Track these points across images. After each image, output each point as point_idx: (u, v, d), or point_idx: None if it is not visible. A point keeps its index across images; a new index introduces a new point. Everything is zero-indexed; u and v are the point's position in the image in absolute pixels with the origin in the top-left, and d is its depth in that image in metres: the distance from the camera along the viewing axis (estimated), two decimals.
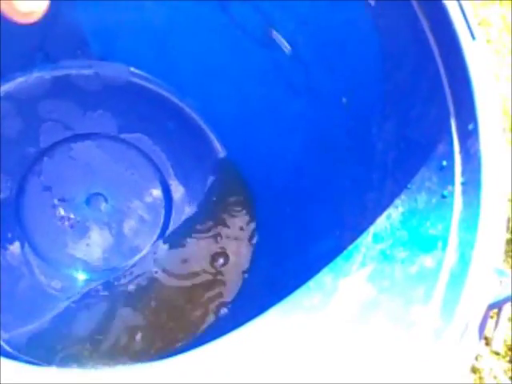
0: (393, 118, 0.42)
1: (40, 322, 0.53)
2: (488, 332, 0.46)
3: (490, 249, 0.33)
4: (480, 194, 0.34)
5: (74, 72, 0.59)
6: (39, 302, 0.54)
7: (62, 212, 0.55)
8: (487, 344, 0.55)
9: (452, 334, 0.32)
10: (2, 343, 0.51)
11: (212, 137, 0.61)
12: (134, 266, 0.56)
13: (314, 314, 0.43)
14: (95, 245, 0.55)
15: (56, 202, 0.55)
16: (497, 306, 0.31)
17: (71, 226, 0.55)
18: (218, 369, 0.46)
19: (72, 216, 0.55)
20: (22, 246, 0.54)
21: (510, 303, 0.31)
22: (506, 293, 0.30)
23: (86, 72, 0.60)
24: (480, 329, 0.31)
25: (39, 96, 0.58)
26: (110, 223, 0.56)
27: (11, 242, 0.54)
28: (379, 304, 0.38)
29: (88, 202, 0.56)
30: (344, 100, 0.47)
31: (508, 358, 0.58)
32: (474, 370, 0.56)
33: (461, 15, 0.37)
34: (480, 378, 0.56)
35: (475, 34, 0.37)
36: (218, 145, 0.61)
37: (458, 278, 0.33)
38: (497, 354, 0.56)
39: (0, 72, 0.56)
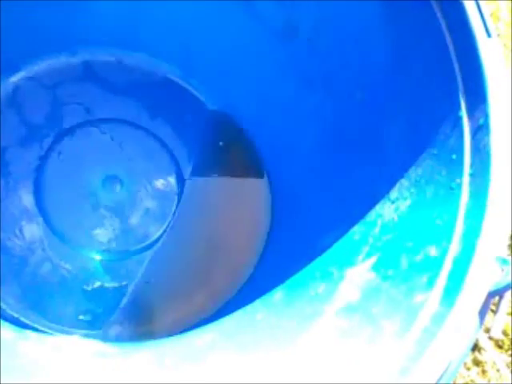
0: (405, 112, 0.43)
1: (52, 300, 0.55)
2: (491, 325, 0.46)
3: (494, 238, 0.33)
4: (488, 186, 0.35)
5: (98, 59, 0.61)
6: (51, 279, 0.55)
7: (78, 192, 0.56)
8: (490, 338, 0.55)
9: (452, 319, 0.32)
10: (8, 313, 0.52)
11: (230, 128, 0.62)
12: (147, 248, 0.57)
13: (318, 303, 0.44)
14: (109, 226, 0.57)
15: (73, 181, 0.56)
16: (497, 293, 0.31)
17: (87, 207, 0.56)
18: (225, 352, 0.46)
19: (88, 196, 0.56)
20: (38, 223, 0.55)
21: (510, 291, 0.31)
22: (507, 281, 0.31)
23: (110, 59, 0.61)
24: (480, 315, 0.32)
25: (63, 80, 0.59)
26: (125, 205, 0.57)
27: (28, 218, 0.55)
28: (382, 291, 0.38)
29: (104, 183, 0.57)
30: (358, 95, 0.48)
31: (511, 352, 0.58)
32: (477, 363, 0.57)
33: (477, 12, 0.38)
34: (483, 370, 0.56)
35: (491, 32, 0.38)
36: (235, 137, 0.62)
37: (461, 266, 0.34)
38: (500, 347, 0.56)
39: (27, 55, 0.58)
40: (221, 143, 0.60)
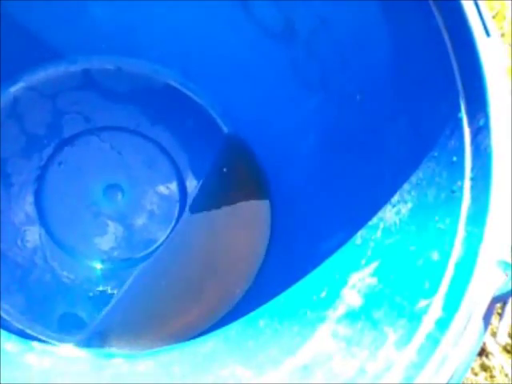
0: (405, 114, 0.43)
1: (55, 310, 0.55)
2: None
3: (497, 243, 0.33)
4: (489, 189, 0.34)
5: (97, 66, 0.61)
6: (53, 289, 0.55)
7: (79, 201, 0.56)
8: (498, 342, 0.54)
9: (456, 325, 0.31)
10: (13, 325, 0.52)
11: (229, 133, 0.62)
12: (148, 256, 0.57)
13: (320, 308, 0.44)
14: (111, 235, 0.57)
15: (74, 191, 0.56)
16: (502, 298, 0.31)
17: (88, 216, 0.56)
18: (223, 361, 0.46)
19: (89, 205, 0.56)
20: (39, 233, 0.55)
21: None
22: (511, 286, 0.30)
23: (110, 67, 0.61)
24: (485, 320, 0.31)
25: (63, 89, 0.59)
26: (126, 214, 0.57)
27: (29, 228, 0.55)
28: (385, 297, 0.38)
29: (105, 192, 0.57)
30: (358, 97, 0.47)
31: None
32: (485, 368, 0.56)
33: (476, 11, 0.37)
34: (491, 375, 0.55)
35: (490, 31, 0.37)
36: (234, 141, 0.62)
37: (464, 270, 0.33)
38: (508, 351, 0.55)
39: (26, 65, 0.58)
40: (225, 169, 0.60)
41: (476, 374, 0.57)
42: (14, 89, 0.58)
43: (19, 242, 0.55)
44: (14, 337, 0.50)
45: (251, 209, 0.59)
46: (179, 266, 0.57)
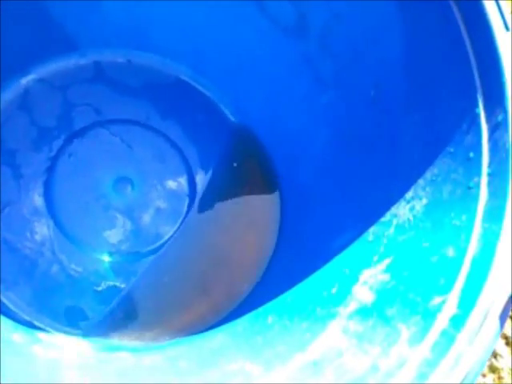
0: (420, 109, 0.42)
1: (63, 303, 0.54)
2: (508, 331, 0.45)
3: None
4: (507, 185, 0.34)
5: (108, 60, 0.61)
6: (60, 281, 0.55)
7: (89, 193, 0.56)
8: (507, 343, 0.54)
9: (472, 323, 0.31)
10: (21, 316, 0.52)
11: (240, 128, 0.61)
12: (156, 250, 0.56)
13: (331, 305, 0.43)
14: (119, 228, 0.56)
15: (83, 183, 0.56)
16: None
17: (97, 208, 0.56)
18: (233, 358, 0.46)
19: (98, 198, 0.56)
20: (48, 225, 0.55)
21: None
22: None
23: (120, 60, 0.61)
24: (501, 319, 0.30)
25: (74, 81, 0.59)
26: (135, 208, 0.57)
27: (38, 219, 0.55)
28: (398, 293, 0.37)
29: (115, 185, 0.57)
30: (372, 92, 0.47)
31: None
32: (493, 370, 0.55)
33: (495, 6, 0.37)
34: (499, 377, 0.55)
35: (509, 25, 0.37)
36: (245, 136, 0.61)
37: (480, 267, 0.32)
38: None
39: (37, 57, 0.58)
40: (235, 164, 0.59)
41: (484, 376, 0.57)
42: (25, 80, 0.58)
43: (28, 234, 0.55)
44: (21, 328, 0.50)
45: (260, 204, 0.58)
46: (187, 260, 0.57)
